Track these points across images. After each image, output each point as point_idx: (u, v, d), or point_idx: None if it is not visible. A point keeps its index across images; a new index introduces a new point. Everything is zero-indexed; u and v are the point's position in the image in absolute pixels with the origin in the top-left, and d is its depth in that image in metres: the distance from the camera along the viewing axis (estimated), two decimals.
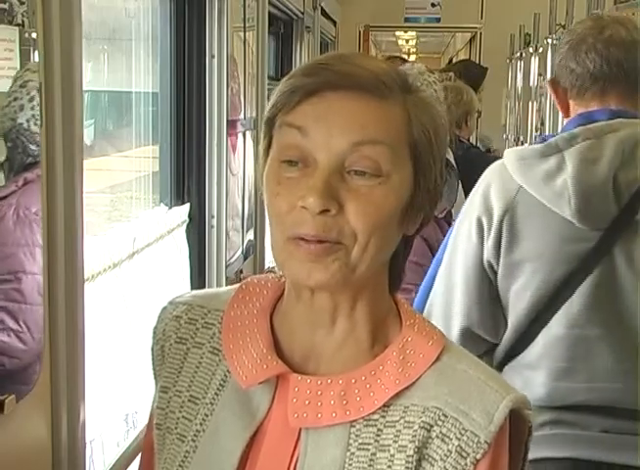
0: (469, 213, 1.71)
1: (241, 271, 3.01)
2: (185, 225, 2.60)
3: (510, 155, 1.69)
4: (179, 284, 2.53)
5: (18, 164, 1.29)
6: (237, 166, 2.90)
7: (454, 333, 1.73)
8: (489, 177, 1.71)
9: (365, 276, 0.92)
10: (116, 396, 2.03)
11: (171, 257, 2.47)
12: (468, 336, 1.73)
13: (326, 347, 0.95)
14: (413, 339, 0.94)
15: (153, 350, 1.04)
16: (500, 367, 1.76)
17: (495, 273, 1.69)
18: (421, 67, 2.65)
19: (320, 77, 0.89)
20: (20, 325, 1.31)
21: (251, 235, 3.15)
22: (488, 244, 1.67)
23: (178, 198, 2.62)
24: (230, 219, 2.77)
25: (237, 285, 1.03)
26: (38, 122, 1.29)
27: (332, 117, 0.88)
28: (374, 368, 0.93)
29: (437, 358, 0.93)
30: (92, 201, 2.32)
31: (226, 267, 2.74)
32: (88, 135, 2.45)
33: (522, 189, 1.64)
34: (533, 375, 1.70)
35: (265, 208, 0.95)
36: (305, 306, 0.95)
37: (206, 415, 0.98)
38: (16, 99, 1.28)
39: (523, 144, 6.28)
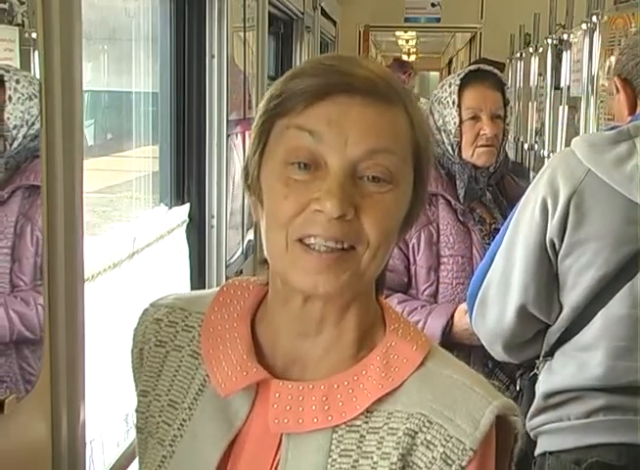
0: (533, 196, 1.76)
1: (241, 271, 3.01)
2: (185, 225, 2.60)
3: (579, 142, 1.77)
4: (179, 284, 2.53)
5: None
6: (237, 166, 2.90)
7: (510, 310, 1.78)
8: (555, 163, 1.79)
9: (367, 283, 0.91)
10: (116, 396, 2.03)
11: (171, 257, 2.47)
12: (523, 314, 1.78)
13: (311, 353, 0.93)
14: (397, 343, 0.93)
15: (132, 352, 1.03)
16: (551, 352, 1.80)
17: (556, 253, 1.74)
18: None
19: (331, 79, 0.87)
20: None
21: (251, 235, 3.16)
22: (553, 223, 1.72)
23: (178, 198, 2.62)
24: (230, 219, 2.77)
25: (219, 287, 1.02)
26: None
27: (346, 123, 0.86)
28: (356, 373, 0.91)
29: (422, 364, 0.91)
30: (92, 201, 2.32)
31: (226, 267, 2.74)
32: (88, 135, 2.45)
33: (590, 173, 1.70)
34: (589, 356, 1.73)
35: (258, 209, 0.92)
36: (292, 313, 0.92)
37: (184, 420, 0.96)
38: None
39: (522, 144, 6.28)
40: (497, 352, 1.87)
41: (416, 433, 0.88)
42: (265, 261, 0.97)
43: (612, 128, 1.77)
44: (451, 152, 2.21)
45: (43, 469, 1.37)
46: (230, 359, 0.94)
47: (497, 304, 1.80)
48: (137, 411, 1.01)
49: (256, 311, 0.98)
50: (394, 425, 0.89)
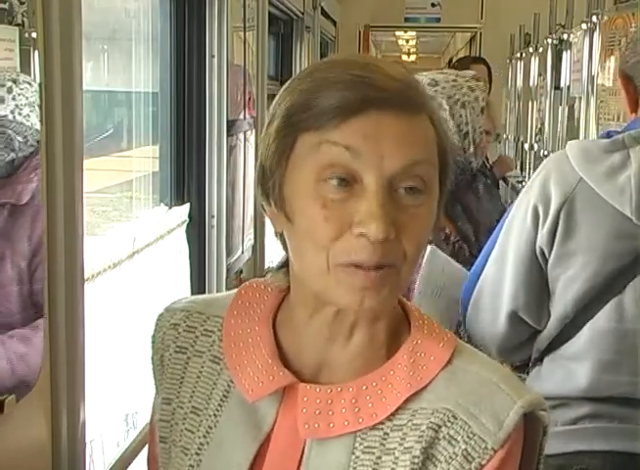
0: (525, 200, 1.73)
1: (241, 271, 3.01)
2: (185, 225, 2.60)
3: (573, 147, 1.72)
4: (179, 284, 2.53)
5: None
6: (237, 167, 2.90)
7: (502, 316, 1.77)
8: (549, 166, 1.74)
9: None
10: (116, 396, 2.03)
11: (171, 257, 2.47)
12: (514, 320, 1.76)
13: (341, 357, 0.93)
14: (423, 341, 0.93)
15: (153, 359, 1.02)
16: (541, 358, 1.79)
17: (546, 261, 1.71)
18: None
19: (365, 94, 0.85)
20: None
21: (251, 235, 3.15)
22: (543, 231, 1.69)
23: (178, 198, 2.62)
24: (230, 219, 2.77)
25: (235, 290, 1.01)
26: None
27: (381, 138, 0.85)
28: (384, 373, 0.91)
29: (449, 361, 0.92)
30: (92, 201, 2.33)
31: (226, 267, 2.74)
32: (88, 135, 2.45)
33: (582, 181, 1.66)
34: (577, 367, 1.71)
35: (280, 220, 0.90)
36: (322, 322, 0.92)
37: (210, 427, 0.95)
38: None
39: (522, 144, 6.27)
40: (491, 355, 1.86)
41: (440, 427, 0.88)
42: (283, 267, 0.97)
43: (608, 134, 1.73)
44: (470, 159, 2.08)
45: (43, 469, 1.37)
46: (255, 364, 0.93)
47: (490, 310, 1.79)
48: (161, 420, 0.99)
49: (276, 315, 0.97)
50: (418, 421, 0.89)
